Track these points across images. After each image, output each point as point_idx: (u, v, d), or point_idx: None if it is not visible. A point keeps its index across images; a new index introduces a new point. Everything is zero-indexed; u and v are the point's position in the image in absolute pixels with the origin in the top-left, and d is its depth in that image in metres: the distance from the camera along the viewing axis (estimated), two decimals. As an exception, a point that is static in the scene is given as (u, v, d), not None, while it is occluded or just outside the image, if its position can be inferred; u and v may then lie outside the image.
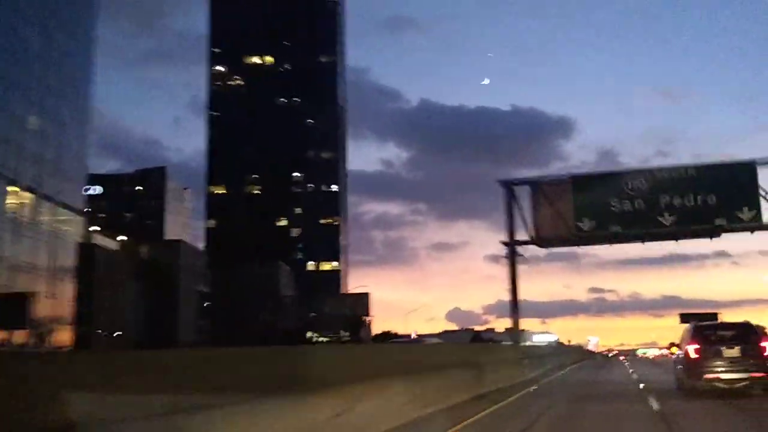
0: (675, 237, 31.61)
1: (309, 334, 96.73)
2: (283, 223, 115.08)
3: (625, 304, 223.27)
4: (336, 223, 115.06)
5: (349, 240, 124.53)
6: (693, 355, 13.01)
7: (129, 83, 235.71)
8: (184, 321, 72.54)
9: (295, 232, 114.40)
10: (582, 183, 31.49)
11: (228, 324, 77.36)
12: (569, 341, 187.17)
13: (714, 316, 41.43)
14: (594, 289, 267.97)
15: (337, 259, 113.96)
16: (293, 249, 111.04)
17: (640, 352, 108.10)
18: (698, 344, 13.11)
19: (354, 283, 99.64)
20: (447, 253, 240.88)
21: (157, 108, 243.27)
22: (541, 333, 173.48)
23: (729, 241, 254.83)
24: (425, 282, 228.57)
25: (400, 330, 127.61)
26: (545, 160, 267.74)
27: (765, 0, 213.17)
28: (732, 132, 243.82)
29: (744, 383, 12.24)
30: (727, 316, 44.45)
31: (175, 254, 75.12)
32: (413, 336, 48.38)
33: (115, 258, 64.49)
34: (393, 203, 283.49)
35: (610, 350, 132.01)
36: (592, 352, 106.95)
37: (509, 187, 32.19)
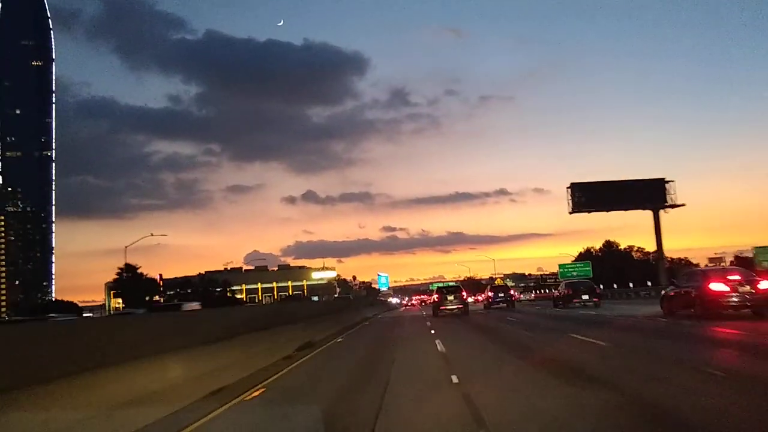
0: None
1: None
2: None
3: (415, 241, 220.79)
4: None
5: None
6: (436, 299, 33.97)
7: None
8: None
9: None
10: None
11: None
12: (354, 277, 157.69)
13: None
14: (386, 228, 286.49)
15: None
16: None
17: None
18: (438, 294, 33.84)
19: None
20: (243, 195, 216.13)
21: None
22: (319, 270, 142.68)
23: (508, 180, 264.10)
24: (221, 225, 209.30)
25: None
26: (339, 97, 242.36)
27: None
28: (511, 74, 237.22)
29: (455, 311, 32.15)
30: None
31: None
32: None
33: None
34: (183, 143, 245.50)
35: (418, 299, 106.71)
36: (387, 304, 71.07)
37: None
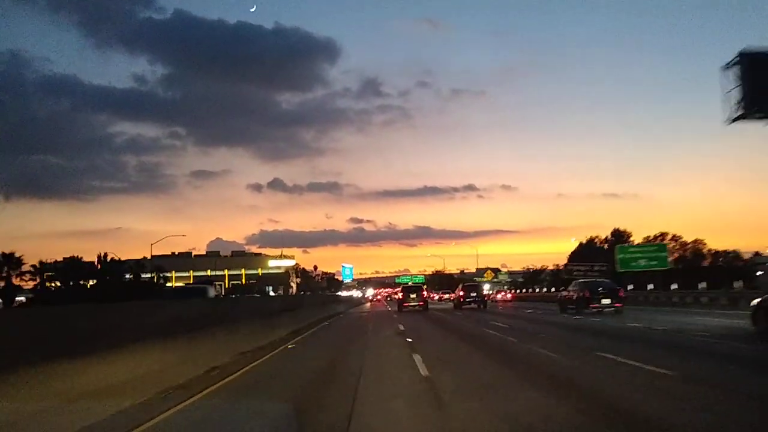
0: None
1: None
2: None
3: (381, 233, 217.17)
4: None
5: None
6: (400, 297, 40.95)
7: None
8: None
9: None
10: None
11: None
12: (315, 267, 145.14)
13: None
14: (354, 219, 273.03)
15: None
16: None
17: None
18: (402, 293, 41.67)
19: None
20: (208, 181, 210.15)
21: None
22: (276, 258, 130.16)
23: (477, 176, 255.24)
24: (185, 211, 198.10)
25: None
26: (309, 84, 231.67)
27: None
28: (484, 68, 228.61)
29: (416, 307, 38.55)
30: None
31: None
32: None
33: None
34: (148, 125, 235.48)
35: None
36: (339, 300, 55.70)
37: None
